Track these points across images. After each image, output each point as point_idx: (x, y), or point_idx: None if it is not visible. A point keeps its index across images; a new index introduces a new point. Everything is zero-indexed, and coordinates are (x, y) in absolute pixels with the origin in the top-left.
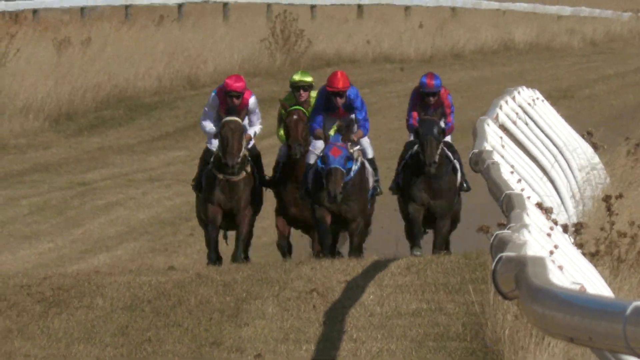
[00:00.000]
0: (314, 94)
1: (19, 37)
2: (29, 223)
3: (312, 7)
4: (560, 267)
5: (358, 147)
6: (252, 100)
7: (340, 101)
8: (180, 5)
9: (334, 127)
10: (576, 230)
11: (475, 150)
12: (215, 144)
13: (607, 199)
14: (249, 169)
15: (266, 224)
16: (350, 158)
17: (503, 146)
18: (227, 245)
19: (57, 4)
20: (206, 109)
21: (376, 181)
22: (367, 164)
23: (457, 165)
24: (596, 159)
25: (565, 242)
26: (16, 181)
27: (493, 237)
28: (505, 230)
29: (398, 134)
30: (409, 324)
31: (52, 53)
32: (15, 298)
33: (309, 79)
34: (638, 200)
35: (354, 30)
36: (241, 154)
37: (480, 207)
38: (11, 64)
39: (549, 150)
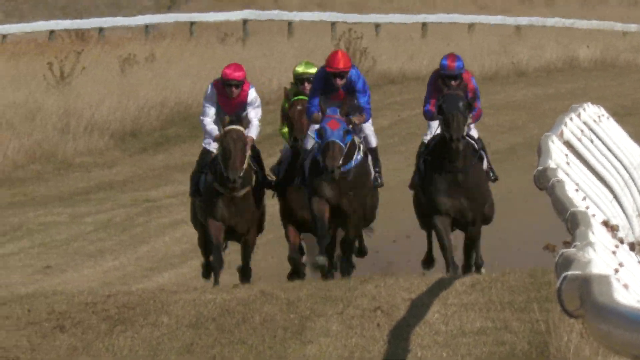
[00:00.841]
0: None
1: (84, 55)
2: (94, 241)
3: (377, 25)
4: (626, 286)
5: (362, 134)
6: (251, 93)
7: (340, 82)
8: (244, 23)
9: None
10: None
11: (540, 168)
12: (214, 145)
13: None
14: (254, 181)
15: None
16: (349, 132)
17: (568, 163)
18: (225, 252)
19: (122, 22)
20: (205, 104)
21: (377, 172)
22: (369, 155)
23: (483, 154)
24: None
25: (632, 260)
26: (81, 199)
27: (558, 255)
28: (570, 249)
29: None
30: (474, 342)
31: (117, 71)
32: (80, 316)
33: (313, 70)
34: None
35: (418, 48)
36: (244, 166)
37: (544, 225)
38: (77, 82)
39: (615, 168)
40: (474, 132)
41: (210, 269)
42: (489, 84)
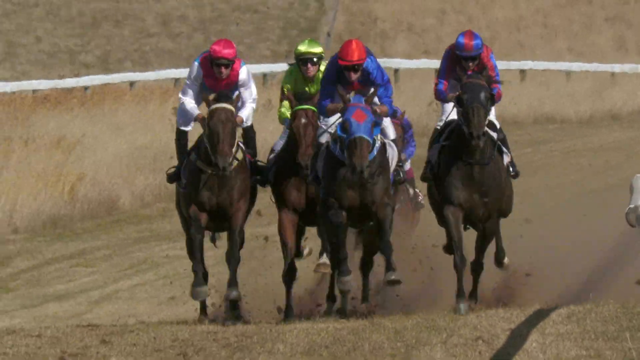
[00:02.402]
0: (323, 67)
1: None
2: (214, 274)
3: None
4: None
5: (390, 138)
6: (243, 71)
7: (354, 77)
8: None
9: (352, 93)
10: None
11: (632, 206)
12: (191, 125)
13: None
14: (240, 155)
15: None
16: (378, 124)
17: None
18: (216, 248)
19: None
20: (187, 82)
21: (400, 166)
22: (388, 144)
23: (503, 148)
24: None
25: None
26: None
27: None
28: None
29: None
30: None
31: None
32: (202, 343)
33: (317, 49)
34: None
35: (517, 92)
36: (234, 150)
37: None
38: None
39: None
40: (495, 122)
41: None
42: (585, 127)
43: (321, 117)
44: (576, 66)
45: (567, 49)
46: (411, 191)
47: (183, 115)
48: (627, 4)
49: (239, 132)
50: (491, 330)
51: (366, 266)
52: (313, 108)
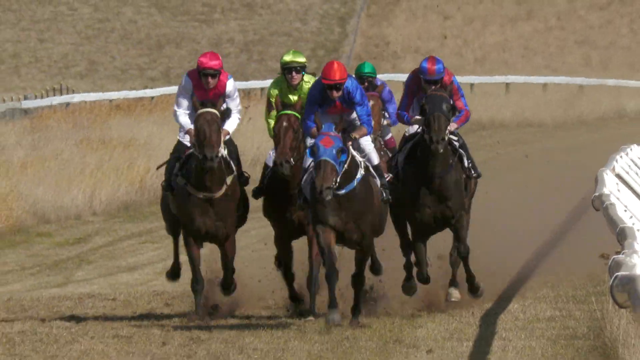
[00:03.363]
0: (307, 77)
1: (250, 110)
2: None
3: (472, 85)
4: None
5: (364, 154)
6: (230, 84)
7: (336, 94)
8: None
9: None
10: None
11: (597, 194)
12: (187, 139)
13: None
14: (229, 180)
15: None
16: (344, 151)
17: (619, 190)
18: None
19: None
20: (179, 95)
21: (382, 186)
22: (371, 174)
23: (463, 153)
24: None
25: None
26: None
27: (610, 260)
28: (620, 255)
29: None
30: (545, 326)
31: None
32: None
33: (301, 59)
34: None
35: (503, 101)
36: (220, 148)
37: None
38: (245, 129)
39: None
40: (454, 129)
41: (178, 270)
42: (559, 130)
43: (307, 143)
44: (551, 80)
45: (544, 66)
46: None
47: (181, 127)
48: (592, 29)
49: (225, 137)
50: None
51: (358, 282)
52: (296, 114)
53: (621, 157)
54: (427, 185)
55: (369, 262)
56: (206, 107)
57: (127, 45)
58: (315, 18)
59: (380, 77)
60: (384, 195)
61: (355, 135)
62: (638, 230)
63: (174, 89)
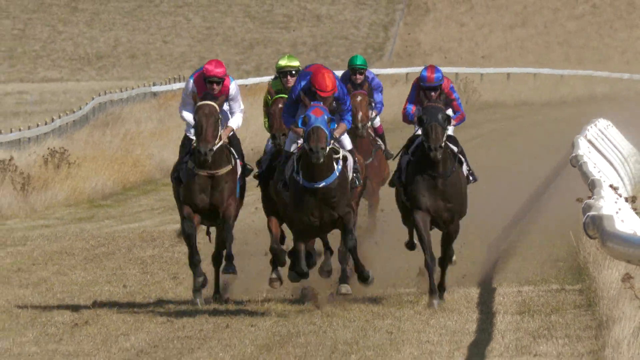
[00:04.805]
0: None
1: None
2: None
3: (481, 75)
4: (622, 221)
5: (347, 149)
6: (233, 87)
7: (325, 100)
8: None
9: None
10: (632, 200)
11: (573, 154)
12: (193, 132)
13: None
14: (232, 161)
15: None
16: (332, 120)
17: (590, 152)
18: (209, 242)
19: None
20: (183, 96)
21: (355, 170)
22: (347, 156)
23: (463, 158)
24: None
25: (626, 206)
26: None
27: (583, 203)
28: (591, 200)
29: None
30: (535, 252)
31: None
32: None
33: (296, 63)
34: None
35: (504, 87)
36: (216, 141)
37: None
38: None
39: (617, 155)
40: (454, 136)
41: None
42: (546, 108)
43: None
44: (540, 71)
45: (535, 61)
46: (382, 145)
47: (188, 125)
48: (571, 34)
49: (223, 130)
50: (476, 264)
51: (344, 257)
52: None
53: (591, 127)
54: (430, 183)
55: (352, 265)
56: (206, 99)
57: (228, 46)
58: (365, 25)
59: (412, 70)
60: (356, 182)
61: (336, 134)
62: (604, 181)
63: (264, 79)
